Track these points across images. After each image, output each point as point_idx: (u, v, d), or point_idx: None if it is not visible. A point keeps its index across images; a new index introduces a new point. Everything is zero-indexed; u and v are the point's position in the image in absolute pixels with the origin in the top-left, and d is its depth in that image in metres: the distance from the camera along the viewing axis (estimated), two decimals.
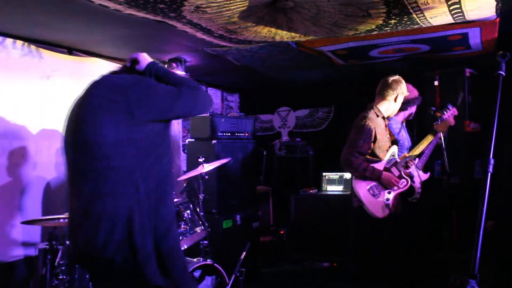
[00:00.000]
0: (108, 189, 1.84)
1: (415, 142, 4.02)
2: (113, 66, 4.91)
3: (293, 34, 3.89)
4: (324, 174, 5.76)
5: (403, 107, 3.89)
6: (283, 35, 3.94)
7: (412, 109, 4.11)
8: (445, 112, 3.83)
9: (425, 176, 3.79)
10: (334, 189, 5.67)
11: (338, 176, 5.63)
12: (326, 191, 5.70)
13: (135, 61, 2.26)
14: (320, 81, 6.35)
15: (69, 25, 3.68)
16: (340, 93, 6.48)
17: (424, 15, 3.36)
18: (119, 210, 1.82)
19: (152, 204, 1.91)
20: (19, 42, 3.94)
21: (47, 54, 4.20)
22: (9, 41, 3.87)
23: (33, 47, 4.05)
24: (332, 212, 5.28)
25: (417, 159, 3.77)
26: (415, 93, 4.05)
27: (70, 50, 4.41)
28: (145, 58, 2.28)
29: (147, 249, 1.85)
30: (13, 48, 3.92)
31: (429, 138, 3.78)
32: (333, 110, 6.78)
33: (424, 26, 3.65)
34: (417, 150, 3.76)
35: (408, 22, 3.54)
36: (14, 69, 3.94)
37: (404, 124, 4.12)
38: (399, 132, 3.98)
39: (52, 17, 3.48)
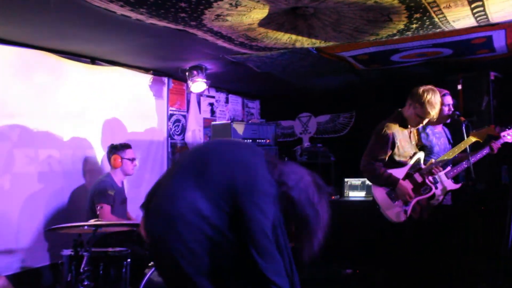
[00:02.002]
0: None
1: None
2: (135, 75, 5.04)
3: (313, 40, 3.88)
4: (346, 180, 5.71)
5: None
6: (303, 42, 3.93)
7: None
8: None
9: (453, 186, 3.71)
10: (357, 195, 5.62)
11: (360, 182, 5.58)
12: (349, 197, 5.65)
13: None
14: (341, 87, 6.31)
15: (92, 36, 3.75)
16: (361, 98, 6.43)
17: (446, 19, 3.31)
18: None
19: None
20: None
21: (70, 64, 4.29)
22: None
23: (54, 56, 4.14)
24: (354, 218, 5.22)
25: (449, 167, 3.70)
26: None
27: (93, 60, 4.48)
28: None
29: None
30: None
31: (461, 147, 3.69)
32: (354, 115, 6.72)
33: (446, 29, 3.60)
34: (445, 157, 3.69)
35: (430, 26, 3.49)
36: (37, 78, 4.03)
37: (437, 129, 3.98)
38: (427, 137, 3.90)
39: (75, 28, 3.55)
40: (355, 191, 5.64)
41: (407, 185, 3.54)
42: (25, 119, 3.92)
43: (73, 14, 3.18)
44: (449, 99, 3.88)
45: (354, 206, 5.43)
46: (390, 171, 3.59)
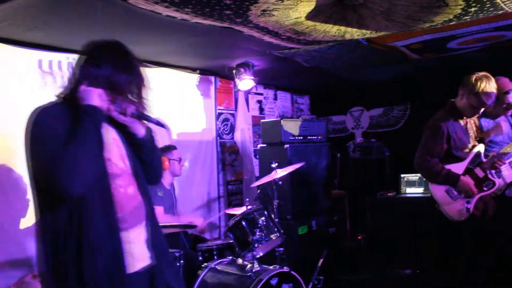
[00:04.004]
0: None
1: None
2: (182, 75, 5.05)
3: (363, 31, 3.75)
4: (402, 175, 5.50)
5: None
6: (353, 33, 3.80)
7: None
8: None
9: None
10: (414, 191, 5.39)
11: (417, 178, 5.34)
12: (405, 193, 5.44)
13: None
14: (394, 78, 6.11)
15: (138, 38, 3.78)
16: (416, 89, 6.19)
17: None
18: None
19: None
20: None
21: None
22: None
23: None
24: (412, 215, 5.01)
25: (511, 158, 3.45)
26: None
27: (140, 62, 4.52)
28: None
29: None
30: None
31: None
32: (409, 107, 6.47)
33: (510, 10, 3.35)
34: (508, 148, 3.45)
35: (491, 9, 3.26)
36: None
37: (496, 119, 3.72)
38: (484, 128, 3.67)
39: (122, 32, 3.57)
40: (412, 187, 5.41)
41: (469, 181, 3.33)
42: None
43: (119, 18, 3.21)
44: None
45: (411, 203, 5.21)
46: (448, 166, 3.39)
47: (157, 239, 1.95)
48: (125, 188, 1.87)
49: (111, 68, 1.84)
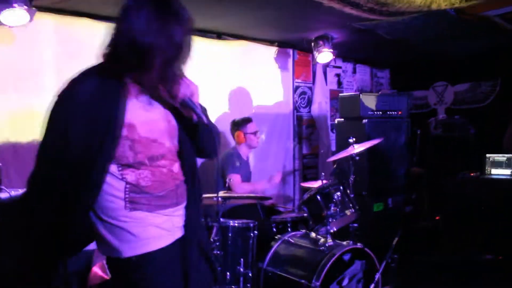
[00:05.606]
0: None
1: None
2: (260, 48, 5.05)
3: (452, 0, 3.52)
4: (488, 155, 5.18)
5: None
6: (440, 3, 3.61)
7: None
8: None
9: None
10: (500, 172, 5.06)
11: (505, 158, 5.01)
12: (491, 174, 5.13)
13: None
14: (484, 51, 5.73)
15: (218, 11, 3.82)
16: (508, 63, 5.75)
17: None
18: None
19: None
20: None
21: (197, 40, 4.42)
22: None
23: None
24: (497, 198, 4.73)
25: None
26: None
27: (219, 35, 4.59)
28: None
29: None
30: None
31: None
32: (499, 83, 6.04)
33: None
34: None
35: None
36: None
37: None
38: None
39: (202, 6, 3.63)
40: (499, 168, 5.07)
41: None
42: None
43: None
44: None
45: (497, 185, 4.91)
46: None
47: (195, 222, 1.82)
48: (169, 167, 1.72)
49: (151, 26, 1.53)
